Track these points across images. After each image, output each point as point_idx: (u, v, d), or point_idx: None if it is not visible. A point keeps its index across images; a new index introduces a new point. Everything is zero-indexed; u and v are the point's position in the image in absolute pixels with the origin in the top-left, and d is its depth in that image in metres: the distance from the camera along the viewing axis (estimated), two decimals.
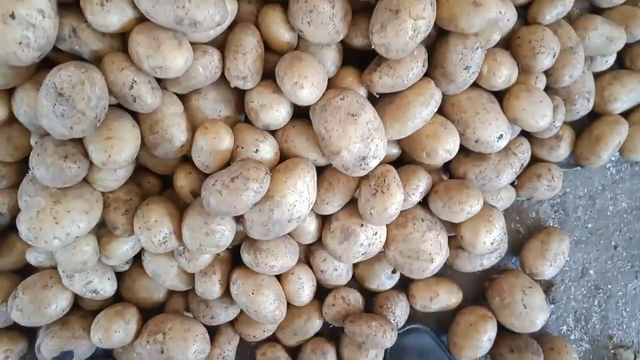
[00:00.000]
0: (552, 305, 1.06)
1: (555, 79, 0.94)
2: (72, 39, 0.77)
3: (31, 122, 0.81)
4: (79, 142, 0.80)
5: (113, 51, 0.79)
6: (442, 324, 1.05)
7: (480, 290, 1.05)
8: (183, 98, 0.85)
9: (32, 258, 0.92)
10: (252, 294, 0.88)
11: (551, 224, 1.07)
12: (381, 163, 0.86)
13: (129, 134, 0.79)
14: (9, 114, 0.83)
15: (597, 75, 1.02)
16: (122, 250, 0.89)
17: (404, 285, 1.02)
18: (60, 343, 0.92)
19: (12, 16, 0.69)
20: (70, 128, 0.72)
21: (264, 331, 0.97)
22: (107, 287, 0.92)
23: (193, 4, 0.71)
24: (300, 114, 0.88)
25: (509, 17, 0.90)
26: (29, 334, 0.98)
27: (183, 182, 0.86)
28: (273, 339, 1.02)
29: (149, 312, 0.96)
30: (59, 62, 0.82)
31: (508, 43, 0.93)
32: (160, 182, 0.94)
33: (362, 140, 0.79)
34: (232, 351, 1.00)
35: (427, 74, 0.86)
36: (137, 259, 0.95)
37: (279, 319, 0.91)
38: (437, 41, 0.87)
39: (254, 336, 0.97)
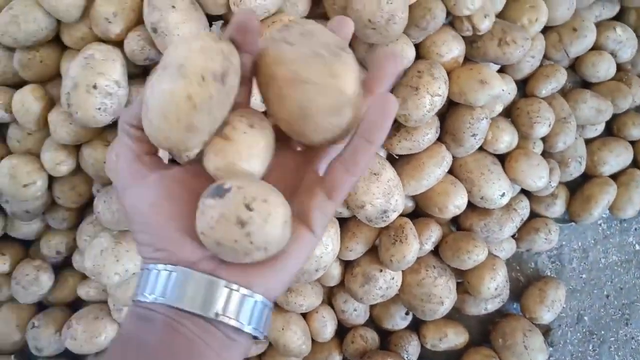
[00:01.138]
0: (551, 348, 1.15)
1: (551, 144, 1.07)
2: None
3: (97, 174, 0.93)
4: None
5: None
6: None
7: (484, 332, 1.15)
8: None
9: (83, 292, 1.02)
10: (282, 329, 0.99)
11: (548, 274, 1.18)
12: (399, 216, 0.98)
13: None
14: (77, 165, 0.95)
15: (587, 142, 1.15)
16: None
17: (416, 326, 1.13)
18: None
19: (95, 87, 0.82)
20: None
21: None
22: None
23: None
24: None
25: (510, 91, 1.03)
26: None
27: None
28: None
29: None
30: None
31: (509, 112, 1.06)
32: None
33: (384, 195, 0.92)
34: None
35: (440, 139, 0.99)
36: None
37: (305, 353, 1.02)
38: (448, 111, 1.00)
39: None
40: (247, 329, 0.44)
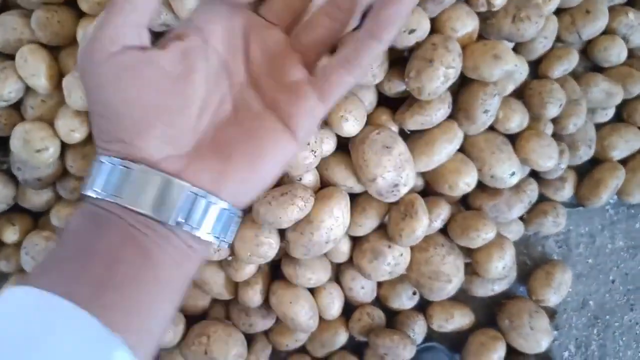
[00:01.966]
0: (555, 332, 1.16)
1: (562, 126, 1.07)
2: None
3: None
4: None
5: None
6: (456, 344, 1.15)
7: (490, 314, 1.16)
8: None
9: None
10: (290, 303, 0.99)
11: (555, 258, 1.19)
12: (409, 192, 0.98)
13: None
14: (88, 134, 0.96)
15: (597, 127, 1.15)
16: None
17: (422, 307, 1.13)
18: None
19: None
20: None
21: (296, 340, 1.07)
22: None
23: None
24: (338, 146, 1.00)
25: (522, 71, 1.04)
26: None
27: None
28: (302, 350, 1.12)
29: (192, 320, 1.06)
30: None
31: (521, 94, 1.06)
32: None
33: (395, 169, 0.92)
34: (266, 358, 1.10)
35: (451, 116, 0.99)
36: None
37: (313, 328, 1.02)
38: (460, 89, 1.00)
39: (287, 345, 1.08)
40: (210, 238, 0.41)
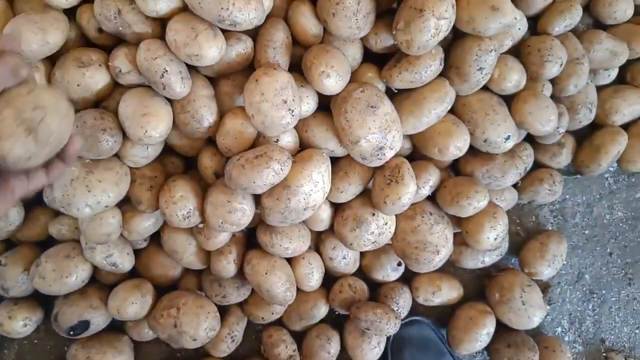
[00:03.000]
0: (548, 307, 1.10)
1: (561, 87, 0.99)
2: (117, 20, 0.82)
3: (69, 97, 0.85)
4: (116, 117, 0.85)
5: (153, 36, 0.84)
6: (442, 318, 1.09)
7: (479, 288, 1.10)
8: (213, 82, 0.90)
9: (54, 230, 0.96)
10: (266, 273, 0.92)
11: (550, 228, 1.12)
12: (395, 156, 0.90)
13: (163, 111, 0.84)
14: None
15: (599, 89, 1.07)
16: (144, 226, 0.93)
17: (407, 279, 1.06)
18: (78, 312, 0.95)
19: None
20: None
21: (272, 313, 1.01)
22: (126, 261, 0.96)
23: (236, 8, 0.77)
24: (319, 106, 0.92)
25: (521, 26, 0.96)
26: (45, 305, 1.01)
27: (208, 162, 0.90)
28: (279, 323, 1.05)
29: (162, 291, 1.00)
30: (100, 43, 0.89)
31: (518, 52, 0.98)
32: (183, 164, 0.98)
33: (380, 130, 0.84)
34: (240, 332, 1.03)
35: (442, 74, 0.91)
36: (153, 238, 0.99)
37: (289, 300, 0.95)
38: (452, 43, 0.92)
39: (263, 318, 1.01)
40: None
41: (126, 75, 0.85)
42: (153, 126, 0.83)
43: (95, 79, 0.85)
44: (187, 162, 0.99)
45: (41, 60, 0.86)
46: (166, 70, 0.81)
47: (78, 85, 0.84)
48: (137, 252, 0.99)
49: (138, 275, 1.01)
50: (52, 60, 0.87)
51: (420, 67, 0.87)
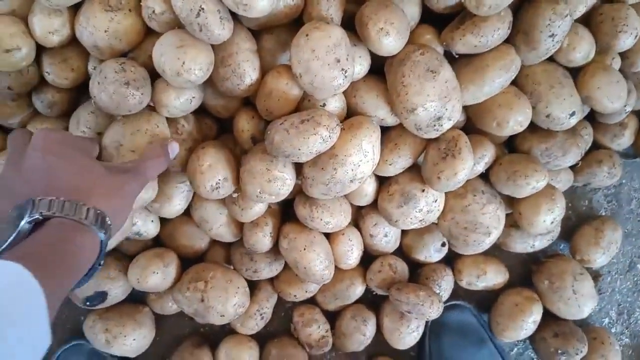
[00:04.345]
0: (597, 297, 1.03)
1: (632, 62, 0.91)
2: None
3: (94, 45, 0.77)
4: (139, 67, 0.76)
5: None
6: (483, 304, 1.02)
7: (523, 274, 1.02)
8: (254, 36, 0.81)
9: None
10: (304, 249, 0.85)
11: (603, 214, 1.04)
12: (452, 128, 0.82)
13: (202, 45, 0.74)
14: (71, 34, 0.79)
15: None
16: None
17: (448, 261, 0.99)
18: (95, 282, 0.89)
19: None
20: None
21: (306, 291, 0.94)
22: (150, 229, 0.89)
23: None
24: (370, 70, 0.84)
25: None
26: None
27: (245, 125, 0.82)
28: (310, 301, 0.99)
29: (186, 263, 0.93)
30: None
31: (588, 21, 0.89)
32: (218, 125, 0.91)
33: (440, 99, 0.76)
34: (270, 309, 0.97)
35: (507, 41, 0.83)
36: None
37: (327, 279, 0.88)
38: (521, 7, 0.83)
39: (295, 295, 0.94)
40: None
41: (160, 16, 0.74)
42: (192, 57, 0.72)
43: (124, 25, 0.76)
44: (220, 125, 0.91)
45: (67, 8, 0.77)
46: (202, 9, 0.69)
47: (105, 31, 0.75)
48: (162, 220, 0.92)
49: (161, 245, 0.94)
50: (76, 7, 0.78)
51: (486, 30, 0.78)
